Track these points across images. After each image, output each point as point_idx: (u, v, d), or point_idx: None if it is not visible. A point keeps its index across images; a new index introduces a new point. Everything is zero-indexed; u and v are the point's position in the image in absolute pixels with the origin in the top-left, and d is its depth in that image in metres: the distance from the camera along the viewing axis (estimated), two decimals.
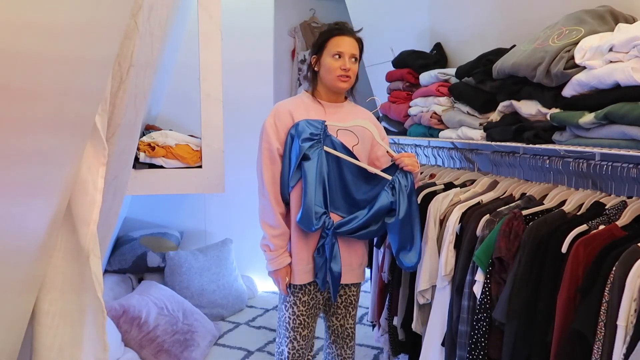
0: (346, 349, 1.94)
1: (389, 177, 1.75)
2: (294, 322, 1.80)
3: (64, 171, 0.99)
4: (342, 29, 1.75)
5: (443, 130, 2.31)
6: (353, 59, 1.73)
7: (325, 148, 1.71)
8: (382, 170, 1.77)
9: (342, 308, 1.89)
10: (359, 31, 1.80)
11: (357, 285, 1.90)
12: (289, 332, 1.81)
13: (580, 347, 1.26)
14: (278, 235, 1.74)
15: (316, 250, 1.75)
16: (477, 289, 1.59)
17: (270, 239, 1.75)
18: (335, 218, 1.74)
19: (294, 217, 1.74)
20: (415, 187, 1.84)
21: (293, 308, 1.80)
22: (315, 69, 1.78)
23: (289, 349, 1.82)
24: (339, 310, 1.90)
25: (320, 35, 1.78)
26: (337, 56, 1.71)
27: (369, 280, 2.51)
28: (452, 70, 2.23)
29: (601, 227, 1.40)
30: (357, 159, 1.75)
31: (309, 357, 1.88)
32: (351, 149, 1.76)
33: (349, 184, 1.74)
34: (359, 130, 1.78)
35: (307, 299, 1.80)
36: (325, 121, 1.73)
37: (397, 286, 2.08)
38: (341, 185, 1.75)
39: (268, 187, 1.74)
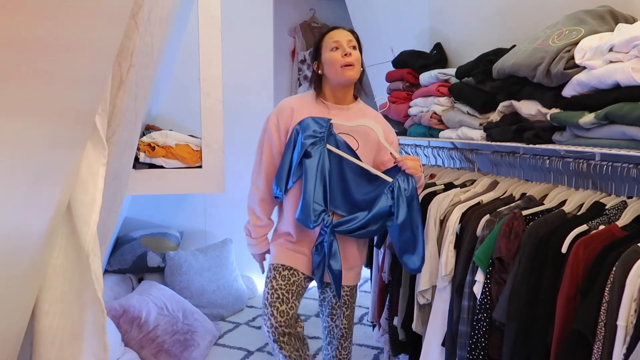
0: (341, 350, 1.93)
1: (390, 179, 1.72)
2: (272, 296, 1.73)
3: (66, 167, 0.99)
4: (333, 26, 1.80)
5: (443, 130, 2.31)
6: (352, 46, 1.73)
7: (328, 146, 1.70)
8: (384, 172, 1.75)
9: (337, 309, 1.89)
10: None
11: (352, 287, 1.89)
12: (267, 309, 1.73)
13: (580, 347, 1.26)
14: (261, 226, 1.84)
15: (315, 247, 1.75)
16: (477, 289, 1.59)
17: (253, 227, 1.85)
18: (335, 217, 1.74)
19: (292, 210, 1.75)
20: (419, 191, 1.80)
21: (272, 282, 1.76)
22: (319, 72, 1.78)
23: (267, 326, 1.73)
24: (334, 310, 1.89)
25: (316, 41, 1.81)
26: (335, 48, 1.72)
27: (369, 280, 2.51)
28: (452, 70, 2.23)
29: (601, 227, 1.40)
30: (359, 159, 1.74)
31: (298, 329, 1.78)
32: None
33: (349, 184, 1.73)
34: (363, 134, 1.77)
35: (287, 274, 1.77)
36: (330, 119, 1.73)
37: (397, 286, 2.08)
38: (342, 185, 1.73)
39: (262, 181, 1.81)
